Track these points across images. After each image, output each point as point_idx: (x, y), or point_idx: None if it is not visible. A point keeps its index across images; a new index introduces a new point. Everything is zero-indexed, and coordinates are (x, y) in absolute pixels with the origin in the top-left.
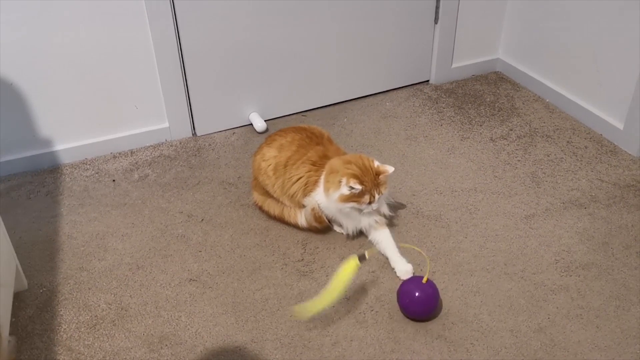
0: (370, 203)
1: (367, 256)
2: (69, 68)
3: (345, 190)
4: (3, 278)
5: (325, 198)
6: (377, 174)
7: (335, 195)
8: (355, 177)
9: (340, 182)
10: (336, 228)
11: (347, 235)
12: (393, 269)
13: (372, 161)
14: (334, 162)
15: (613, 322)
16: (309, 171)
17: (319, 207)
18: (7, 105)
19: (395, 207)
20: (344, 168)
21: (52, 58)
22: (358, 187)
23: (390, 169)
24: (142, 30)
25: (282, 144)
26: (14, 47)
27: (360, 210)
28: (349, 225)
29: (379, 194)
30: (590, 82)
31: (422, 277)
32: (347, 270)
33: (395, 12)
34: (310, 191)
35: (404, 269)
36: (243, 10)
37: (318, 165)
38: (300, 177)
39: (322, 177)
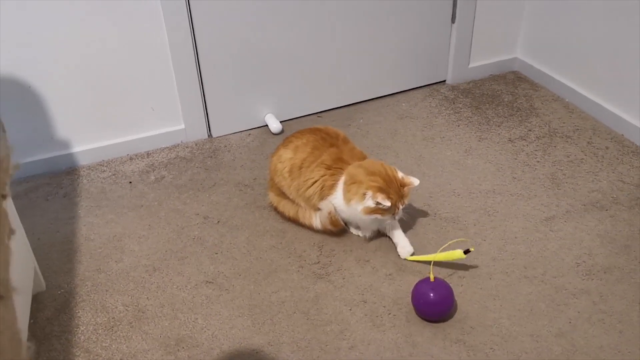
0: (393, 214)
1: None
2: (85, 70)
3: (370, 203)
4: (21, 283)
5: (345, 205)
6: (402, 185)
7: (359, 207)
8: (382, 190)
9: (364, 194)
10: (352, 230)
11: (365, 237)
12: (395, 244)
13: (396, 171)
14: (356, 172)
15: (636, 326)
16: (324, 175)
17: (335, 210)
18: (25, 107)
19: (412, 213)
20: (368, 180)
21: (68, 60)
22: (387, 203)
23: (415, 181)
24: (158, 31)
25: (298, 145)
26: (31, 50)
27: (382, 220)
28: (368, 230)
29: (402, 205)
30: (611, 81)
31: (437, 279)
32: (451, 254)
33: (412, 12)
34: (327, 195)
35: (406, 246)
36: (259, 11)
37: (333, 169)
38: (315, 181)
39: (341, 182)
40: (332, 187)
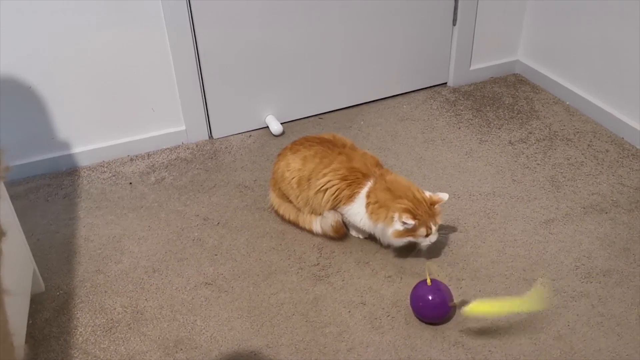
0: (427, 235)
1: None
2: (86, 71)
3: (398, 226)
4: (19, 284)
5: (369, 223)
6: (432, 203)
7: (389, 231)
8: (408, 211)
9: (392, 218)
10: (352, 233)
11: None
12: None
13: (422, 191)
14: (383, 195)
15: (635, 330)
16: (339, 185)
17: (344, 218)
18: (26, 108)
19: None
20: (394, 203)
21: (69, 61)
22: (411, 222)
23: (444, 196)
24: (159, 32)
25: (306, 156)
26: (32, 51)
27: (417, 243)
28: (392, 243)
29: (435, 225)
30: (612, 84)
31: (436, 281)
32: (529, 303)
33: (413, 14)
34: (342, 206)
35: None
36: (260, 12)
37: (349, 180)
38: (327, 189)
39: (361, 195)
40: (350, 198)
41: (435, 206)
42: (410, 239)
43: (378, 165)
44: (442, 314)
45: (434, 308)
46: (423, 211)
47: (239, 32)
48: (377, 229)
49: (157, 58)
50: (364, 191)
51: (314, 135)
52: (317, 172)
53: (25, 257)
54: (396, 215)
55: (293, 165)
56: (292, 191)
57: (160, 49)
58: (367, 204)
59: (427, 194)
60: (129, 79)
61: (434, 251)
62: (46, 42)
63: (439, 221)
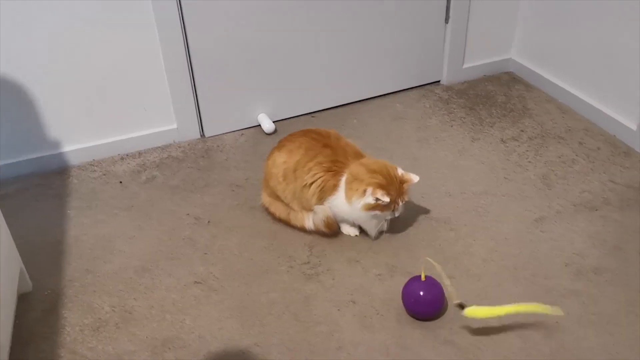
0: (393, 211)
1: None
2: (76, 70)
3: (370, 200)
4: (5, 285)
5: (347, 205)
6: (402, 182)
7: (359, 203)
8: (382, 187)
9: (365, 191)
10: (344, 230)
11: (372, 237)
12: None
13: (396, 169)
14: (358, 170)
15: (626, 328)
16: (323, 176)
17: (333, 215)
18: (16, 106)
19: (404, 214)
20: (369, 177)
21: (60, 60)
22: (386, 199)
23: (414, 178)
24: (150, 31)
25: (291, 149)
26: (22, 50)
27: (382, 217)
28: (372, 228)
29: (402, 202)
30: (604, 82)
31: (428, 277)
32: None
33: (406, 12)
34: (328, 196)
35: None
36: (251, 11)
37: (333, 170)
38: (314, 182)
39: (342, 182)
40: (334, 187)
41: (405, 185)
42: (377, 212)
43: (357, 155)
44: (435, 310)
45: (426, 304)
46: (394, 188)
47: (230, 31)
48: (351, 209)
49: (148, 56)
50: (344, 178)
51: (297, 131)
52: (302, 163)
53: (13, 257)
54: (369, 190)
55: (278, 160)
56: (279, 185)
57: (151, 48)
58: (346, 184)
59: (400, 171)
60: (120, 77)
61: (427, 248)
62: (36, 41)
63: (406, 198)
